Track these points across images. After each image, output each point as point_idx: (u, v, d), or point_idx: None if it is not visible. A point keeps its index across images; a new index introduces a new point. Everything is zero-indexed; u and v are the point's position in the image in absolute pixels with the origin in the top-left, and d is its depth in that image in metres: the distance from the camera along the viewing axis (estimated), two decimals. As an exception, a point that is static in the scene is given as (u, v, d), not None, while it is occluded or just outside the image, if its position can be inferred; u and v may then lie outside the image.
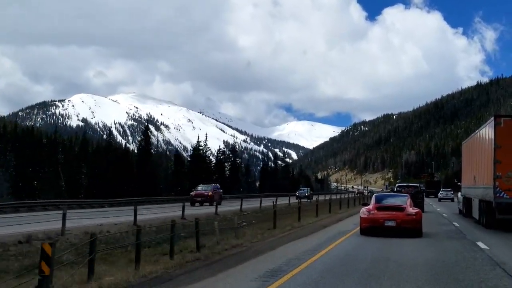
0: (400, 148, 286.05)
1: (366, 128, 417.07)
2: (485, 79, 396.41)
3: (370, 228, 18.15)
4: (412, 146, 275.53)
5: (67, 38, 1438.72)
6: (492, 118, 20.55)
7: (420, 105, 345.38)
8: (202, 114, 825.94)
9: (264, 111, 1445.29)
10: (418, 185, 46.03)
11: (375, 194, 25.21)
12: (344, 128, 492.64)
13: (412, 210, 18.41)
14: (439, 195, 65.65)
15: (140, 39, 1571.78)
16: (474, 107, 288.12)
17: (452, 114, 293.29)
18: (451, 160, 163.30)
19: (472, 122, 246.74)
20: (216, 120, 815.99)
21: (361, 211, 19.09)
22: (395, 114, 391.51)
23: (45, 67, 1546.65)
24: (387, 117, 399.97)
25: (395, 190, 39.37)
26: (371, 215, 18.28)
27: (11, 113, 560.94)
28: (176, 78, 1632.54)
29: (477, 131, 25.28)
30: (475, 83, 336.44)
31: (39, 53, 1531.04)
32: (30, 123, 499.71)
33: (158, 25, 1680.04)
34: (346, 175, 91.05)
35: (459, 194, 33.28)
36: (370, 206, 19.03)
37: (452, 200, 54.38)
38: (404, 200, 19.35)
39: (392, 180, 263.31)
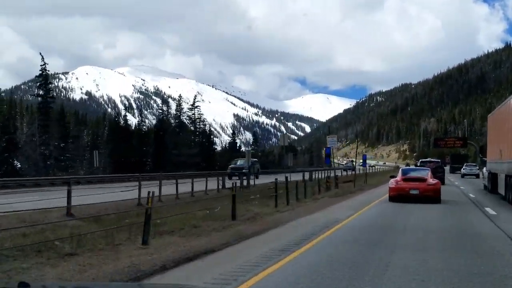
0: (418, 116, 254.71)
1: (383, 99, 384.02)
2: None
3: (398, 196, 21.24)
4: (432, 114, 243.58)
5: (70, 9, 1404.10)
6: None
7: (441, 71, 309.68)
8: (213, 87, 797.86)
9: (278, 84, 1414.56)
10: (439, 160, 51.10)
11: (401, 168, 28.73)
12: (359, 99, 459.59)
13: (432, 181, 21.88)
14: (462, 170, 61.57)
15: (146, 8, 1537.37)
16: (504, 69, 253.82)
17: (479, 78, 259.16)
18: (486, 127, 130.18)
19: (502, 86, 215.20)
20: (227, 93, 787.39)
21: (390, 182, 22.63)
22: (413, 84, 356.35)
23: (50, 39, 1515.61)
24: (405, 86, 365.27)
25: (418, 165, 45.08)
26: (398, 185, 21.68)
27: (13, 86, 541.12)
28: (185, 50, 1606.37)
29: (504, 102, 24.77)
30: (504, 45, 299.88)
31: (43, 24, 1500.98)
32: (32, 96, 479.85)
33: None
34: (333, 150, 61.42)
35: (484, 169, 32.63)
36: (398, 178, 22.37)
37: (477, 176, 50.14)
38: (425, 173, 22.85)
39: (408, 153, 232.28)
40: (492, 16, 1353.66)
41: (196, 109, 78.09)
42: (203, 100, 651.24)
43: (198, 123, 77.51)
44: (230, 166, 49.62)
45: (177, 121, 75.42)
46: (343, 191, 28.77)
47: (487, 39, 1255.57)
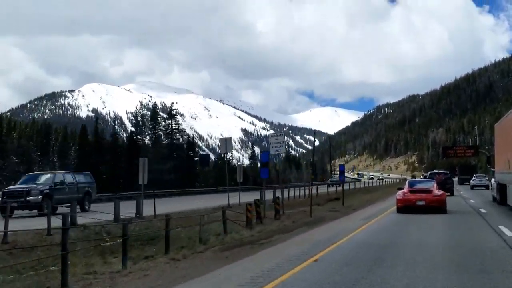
0: (427, 127, 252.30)
1: (390, 110, 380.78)
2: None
3: (405, 207, 21.90)
4: (440, 125, 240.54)
5: (79, 27, 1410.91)
6: None
7: (449, 81, 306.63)
8: (221, 102, 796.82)
9: (286, 98, 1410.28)
10: (447, 172, 48.81)
11: (408, 180, 29.32)
12: (367, 111, 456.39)
13: (437, 192, 22.63)
14: (472, 181, 60.21)
15: (153, 25, 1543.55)
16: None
17: (487, 88, 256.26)
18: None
19: (511, 95, 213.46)
20: (234, 107, 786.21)
21: (397, 193, 23.34)
22: (421, 95, 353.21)
23: (58, 58, 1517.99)
24: (412, 97, 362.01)
25: (428, 176, 43.61)
26: (405, 197, 22.38)
27: (19, 105, 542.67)
28: (192, 65, 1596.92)
29: (511, 111, 24.22)
30: (510, 55, 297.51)
31: (51, 43, 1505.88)
32: (38, 114, 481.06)
33: (168, 10, 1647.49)
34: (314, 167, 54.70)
35: (493, 180, 31.74)
36: (405, 190, 23.14)
37: (487, 187, 48.64)
38: (431, 185, 23.71)
39: (416, 164, 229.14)
40: (497, 26, 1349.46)
41: (173, 120, 71.89)
42: (210, 115, 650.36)
43: (175, 136, 70.68)
44: (5, 189, 25.71)
45: (149, 134, 70.21)
46: (280, 228, 17.02)
47: (493, 49, 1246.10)
